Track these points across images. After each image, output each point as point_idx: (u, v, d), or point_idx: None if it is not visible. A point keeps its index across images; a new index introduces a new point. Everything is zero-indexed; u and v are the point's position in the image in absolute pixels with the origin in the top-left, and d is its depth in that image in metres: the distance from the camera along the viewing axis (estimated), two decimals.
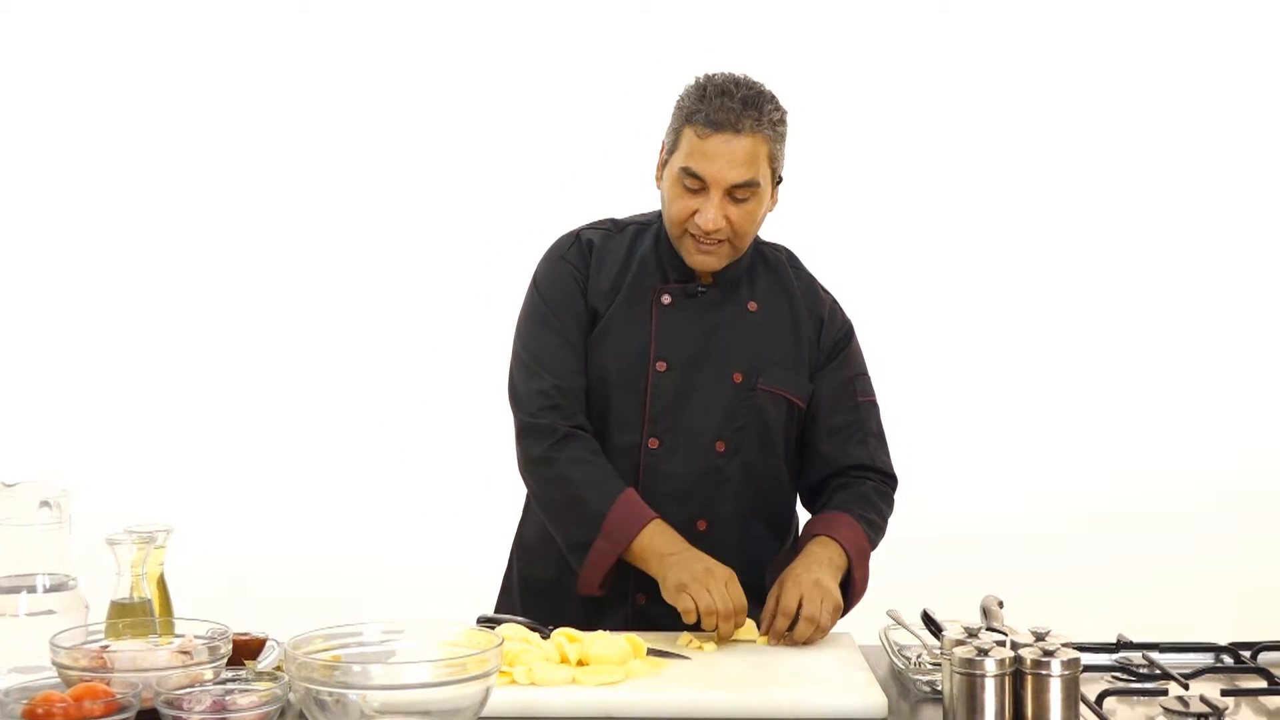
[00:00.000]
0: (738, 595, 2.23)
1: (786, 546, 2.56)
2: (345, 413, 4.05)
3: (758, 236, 2.52)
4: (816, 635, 2.23)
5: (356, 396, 4.05)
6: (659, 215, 2.49)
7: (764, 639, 2.25)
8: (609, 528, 2.34)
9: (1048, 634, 1.82)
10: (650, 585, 2.37)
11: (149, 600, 2.10)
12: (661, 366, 2.43)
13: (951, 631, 1.87)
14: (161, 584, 2.18)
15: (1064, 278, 4.11)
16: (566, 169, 3.95)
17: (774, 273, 2.54)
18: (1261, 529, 3.95)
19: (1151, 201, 4.09)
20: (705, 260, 2.39)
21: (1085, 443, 4.06)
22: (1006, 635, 1.87)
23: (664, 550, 2.30)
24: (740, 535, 2.47)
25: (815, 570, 2.29)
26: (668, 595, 2.26)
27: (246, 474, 4.02)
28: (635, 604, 2.45)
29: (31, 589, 2.07)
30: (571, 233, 2.56)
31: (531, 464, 2.45)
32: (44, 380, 4.07)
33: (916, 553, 3.86)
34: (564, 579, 2.45)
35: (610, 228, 2.55)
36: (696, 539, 2.37)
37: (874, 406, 2.57)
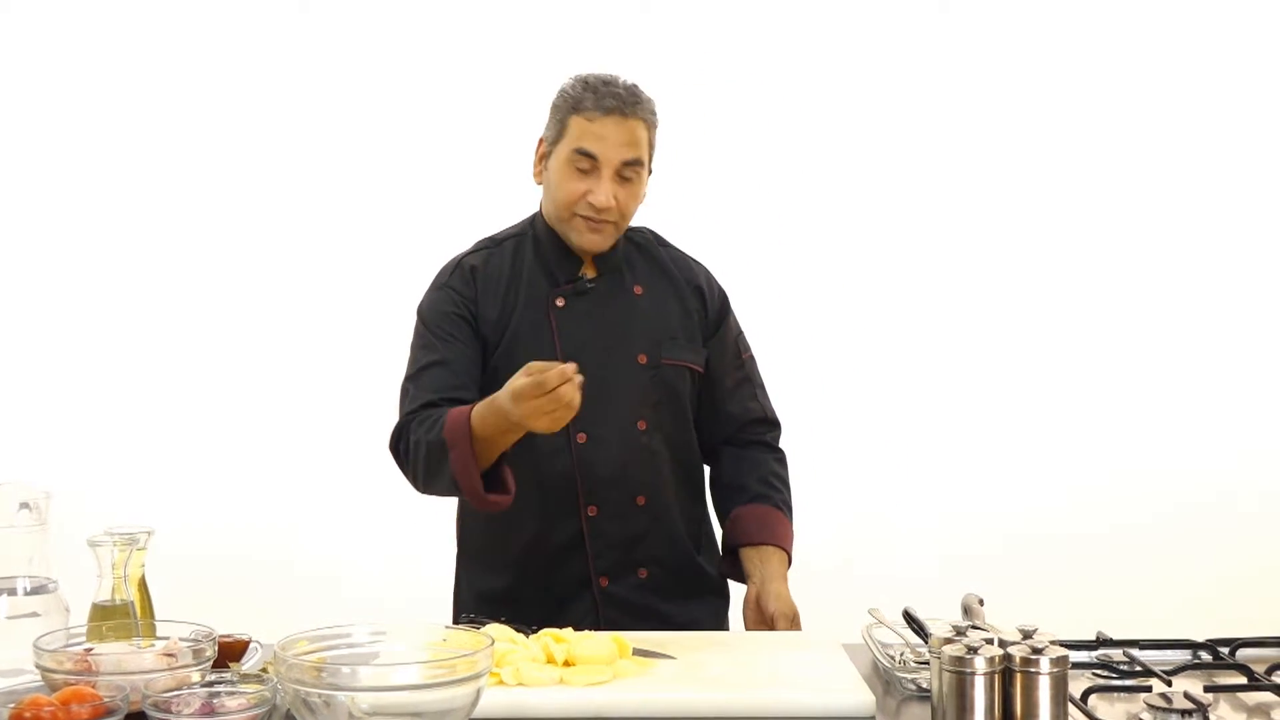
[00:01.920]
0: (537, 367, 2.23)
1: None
2: (323, 416, 4.02)
3: None
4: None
5: (335, 400, 4.02)
6: (531, 223, 2.65)
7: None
8: (449, 439, 2.34)
9: (1035, 632, 1.83)
10: (608, 568, 2.54)
11: (131, 602, 2.09)
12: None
13: (939, 630, 1.88)
14: (143, 586, 2.18)
15: (1054, 275, 4.13)
16: None
17: (646, 254, 2.68)
18: (1234, 528, 3.99)
19: (1151, 201, 4.11)
20: (594, 240, 2.53)
21: (1059, 444, 4.09)
22: (994, 633, 1.87)
23: (491, 405, 2.30)
24: (675, 502, 2.63)
25: (787, 594, 2.53)
26: (517, 407, 2.22)
27: (220, 476, 4.00)
28: (599, 587, 2.55)
29: (12, 591, 2.06)
30: (453, 260, 2.66)
31: (394, 455, 2.49)
32: (22, 382, 4.04)
33: (890, 551, 3.90)
34: (519, 585, 2.57)
35: (489, 246, 2.66)
36: (639, 512, 2.57)
37: (753, 360, 2.77)
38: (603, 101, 2.49)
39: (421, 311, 2.61)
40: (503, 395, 2.27)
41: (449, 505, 3.65)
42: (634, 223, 2.64)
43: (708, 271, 2.74)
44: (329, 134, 4.09)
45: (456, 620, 2.56)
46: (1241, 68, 4.10)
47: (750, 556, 2.60)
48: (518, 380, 2.23)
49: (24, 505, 2.09)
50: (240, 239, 4.09)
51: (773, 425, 2.77)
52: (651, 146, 2.55)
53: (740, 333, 2.76)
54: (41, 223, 4.09)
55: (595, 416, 2.49)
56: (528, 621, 2.25)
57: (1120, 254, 4.12)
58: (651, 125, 2.54)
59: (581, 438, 2.54)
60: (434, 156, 4.09)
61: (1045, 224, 4.12)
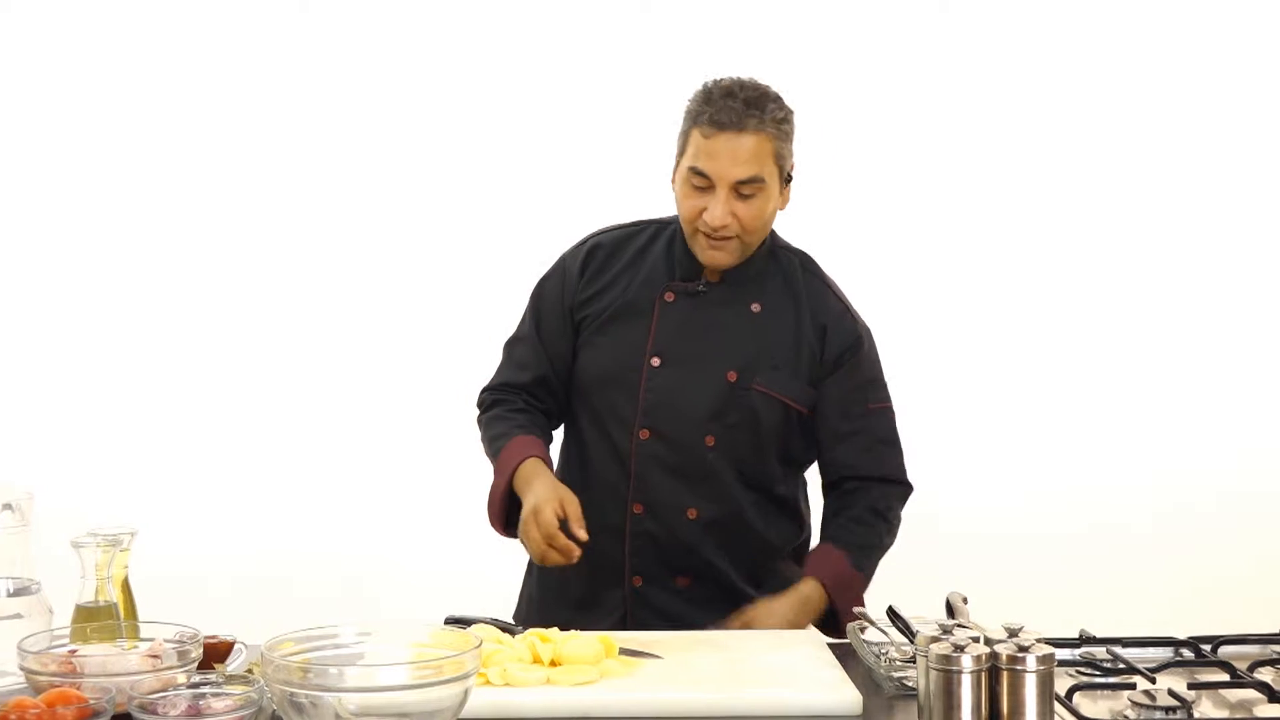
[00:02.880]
0: (546, 520, 2.39)
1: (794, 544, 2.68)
2: (306, 417, 4.01)
3: (776, 238, 2.61)
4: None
5: (318, 399, 4.01)
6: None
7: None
8: (499, 464, 2.55)
9: (1021, 630, 1.84)
10: (644, 568, 2.53)
11: (115, 604, 2.08)
12: (656, 361, 2.52)
13: (926, 628, 1.88)
14: (126, 587, 2.16)
15: (1044, 273, 4.12)
16: (566, 170, 3.95)
17: (784, 276, 2.58)
18: (1214, 528, 4.00)
19: (1152, 202, 4.11)
20: (716, 256, 2.47)
21: (1039, 445, 4.08)
22: (980, 631, 1.88)
23: (526, 481, 2.48)
24: (733, 524, 2.54)
25: (783, 607, 2.45)
26: (523, 520, 2.44)
27: (202, 476, 3.98)
28: (631, 585, 2.54)
29: None
30: (585, 236, 2.67)
31: (478, 409, 2.71)
32: (4, 382, 4.00)
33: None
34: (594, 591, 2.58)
35: (631, 229, 2.65)
36: (688, 525, 2.52)
37: (885, 413, 2.62)
38: (718, 116, 2.40)
39: (538, 282, 2.68)
40: (525, 494, 2.45)
41: (434, 502, 3.66)
42: (795, 241, 2.62)
43: (847, 309, 2.62)
44: (328, 134, 4.06)
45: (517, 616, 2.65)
46: (1241, 68, 4.11)
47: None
48: (536, 505, 2.40)
49: (6, 506, 2.08)
50: (228, 239, 4.06)
51: (886, 482, 2.61)
52: (779, 157, 2.46)
53: (873, 380, 2.61)
54: (23, 222, 4.06)
55: (663, 418, 2.51)
56: (559, 619, 2.26)
57: (1110, 251, 4.12)
58: (776, 136, 2.44)
59: (644, 434, 2.52)
60: (433, 157, 4.07)
61: (1040, 223, 4.12)
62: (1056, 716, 1.82)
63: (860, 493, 2.57)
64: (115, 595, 2.09)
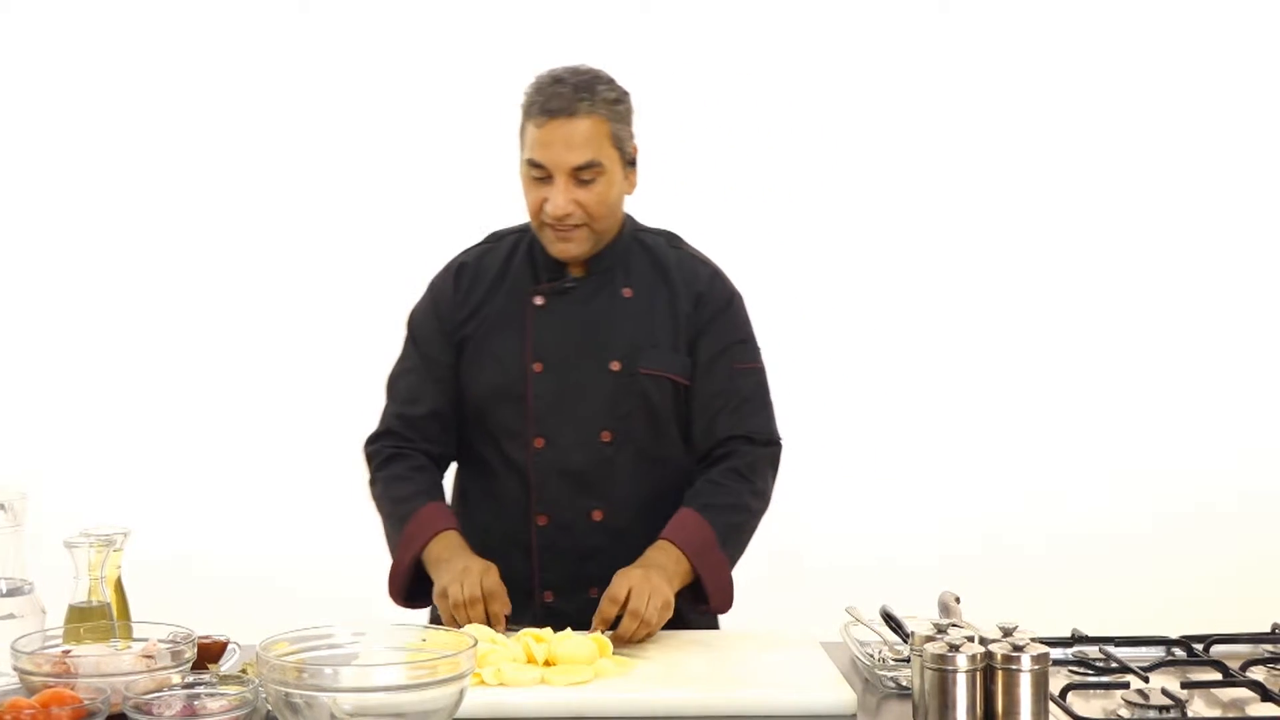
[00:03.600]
0: (488, 584, 2.26)
1: None
2: (299, 417, 4.00)
3: (634, 221, 2.55)
4: (642, 630, 2.21)
5: (310, 399, 4.00)
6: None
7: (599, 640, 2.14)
8: (405, 538, 2.42)
9: (1015, 629, 1.85)
10: (555, 582, 2.45)
11: (108, 604, 2.07)
12: (538, 367, 2.46)
13: (921, 627, 1.89)
14: (119, 587, 2.16)
15: (1053, 276, 4.13)
16: None
17: (652, 256, 2.53)
18: (1204, 529, 4.02)
19: (1148, 202, 4.12)
20: (565, 247, 2.42)
21: (1029, 447, 4.09)
22: (975, 631, 1.89)
23: (440, 557, 2.35)
24: (640, 523, 2.44)
25: (639, 571, 2.28)
26: (435, 600, 2.32)
27: (194, 476, 3.98)
28: (542, 601, 2.46)
29: None
30: (454, 258, 2.61)
31: (365, 457, 2.57)
32: None
33: (863, 550, 3.91)
34: None
35: (491, 241, 2.60)
36: (594, 528, 2.44)
37: (753, 372, 2.53)
38: (549, 104, 2.35)
39: (410, 314, 2.60)
40: (438, 573, 2.32)
41: None
42: (655, 223, 2.56)
43: (716, 274, 2.56)
44: (328, 135, 4.05)
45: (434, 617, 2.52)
46: (1241, 68, 4.12)
47: None
48: (448, 588, 2.26)
49: None
50: (225, 240, 4.06)
51: (751, 442, 2.49)
52: (616, 139, 2.39)
53: (741, 341, 2.53)
54: (20, 222, 4.06)
55: (556, 422, 2.44)
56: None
57: (1110, 251, 4.14)
58: (610, 117, 2.38)
59: (539, 442, 2.45)
60: (433, 157, 4.07)
61: (1040, 224, 4.13)
62: (1051, 716, 1.82)
63: (723, 456, 2.47)
64: (108, 595, 2.08)
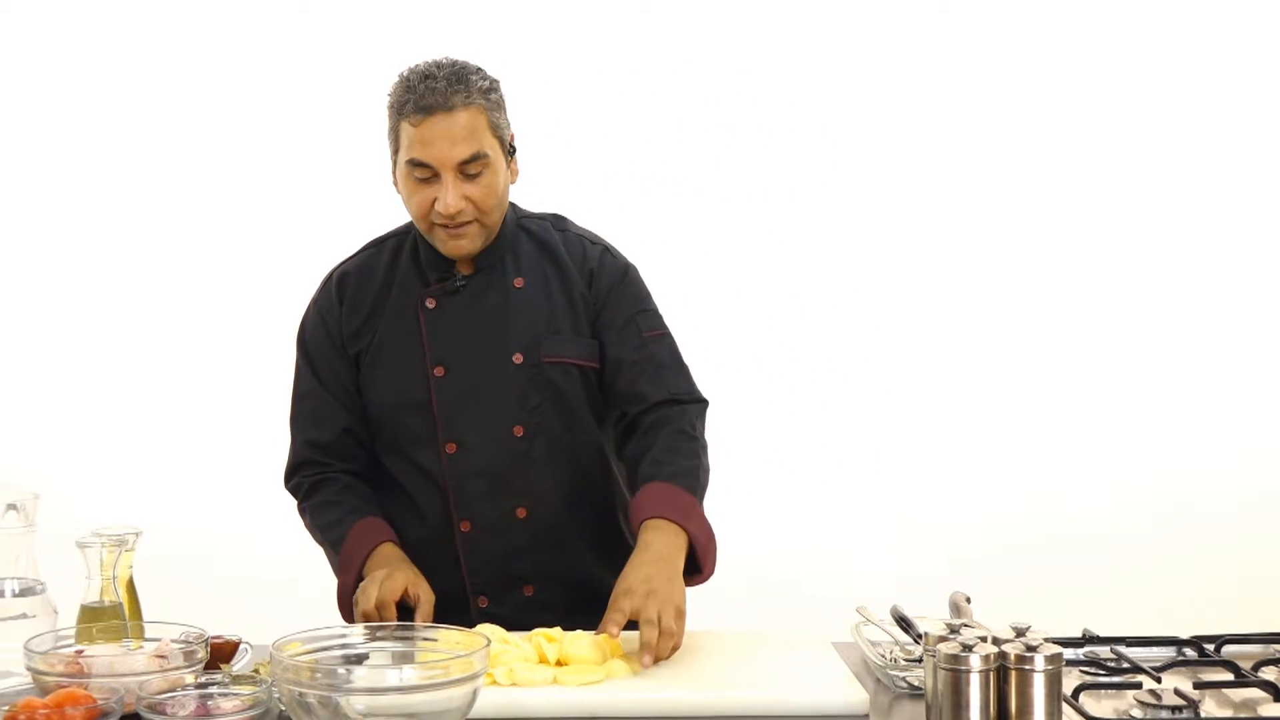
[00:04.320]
0: (388, 588, 2.23)
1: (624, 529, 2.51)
2: None
3: (517, 209, 2.50)
4: (665, 642, 2.10)
5: None
6: (412, 223, 2.45)
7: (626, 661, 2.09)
8: (341, 562, 2.39)
9: (1028, 629, 1.85)
10: (487, 586, 2.43)
11: (120, 604, 2.07)
12: (439, 371, 2.41)
13: (934, 627, 1.89)
14: (130, 587, 2.16)
15: (1057, 278, 4.15)
16: (567, 169, 3.94)
17: (538, 242, 2.48)
18: (1214, 529, 4.02)
19: (1149, 203, 4.13)
20: (459, 245, 2.36)
21: (1040, 447, 4.11)
22: (987, 631, 1.89)
23: (372, 570, 2.32)
24: (565, 514, 2.44)
25: (648, 570, 2.18)
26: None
27: (203, 476, 3.99)
28: (477, 608, 2.44)
29: (0, 594, 2.04)
30: (327, 274, 2.54)
31: (289, 491, 2.54)
32: (9, 383, 4.02)
33: (870, 551, 3.91)
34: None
35: (371, 248, 2.53)
36: (519, 526, 2.40)
37: (664, 339, 2.48)
38: (423, 100, 2.27)
39: (298, 333, 2.54)
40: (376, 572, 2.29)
41: None
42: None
43: (607, 250, 2.51)
44: (329, 134, 4.06)
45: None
46: (1241, 68, 4.13)
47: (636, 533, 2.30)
48: (367, 595, 2.23)
49: (11, 507, 2.08)
50: (230, 240, 4.08)
51: (680, 403, 2.43)
52: (495, 128, 2.33)
53: (643, 310, 2.48)
54: (29, 223, 4.07)
55: (465, 424, 2.40)
56: None
57: (1112, 252, 4.14)
58: (487, 107, 2.31)
59: (451, 447, 2.41)
60: None
61: (1042, 225, 4.14)
62: (1064, 716, 1.82)
63: (660, 422, 2.41)
64: (120, 595, 2.08)
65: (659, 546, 2.23)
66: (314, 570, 3.63)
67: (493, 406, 2.40)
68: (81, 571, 2.07)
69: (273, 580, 3.75)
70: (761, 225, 4.05)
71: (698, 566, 2.30)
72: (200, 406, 4.03)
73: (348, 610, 2.37)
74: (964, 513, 4.01)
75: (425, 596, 2.26)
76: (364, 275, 2.49)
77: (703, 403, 2.48)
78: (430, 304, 2.43)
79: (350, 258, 2.54)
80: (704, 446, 2.43)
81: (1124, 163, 4.13)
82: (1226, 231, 4.15)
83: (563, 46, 4.03)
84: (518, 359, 2.41)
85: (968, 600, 2.24)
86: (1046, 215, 4.14)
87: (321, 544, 2.47)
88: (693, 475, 2.35)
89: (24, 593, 2.06)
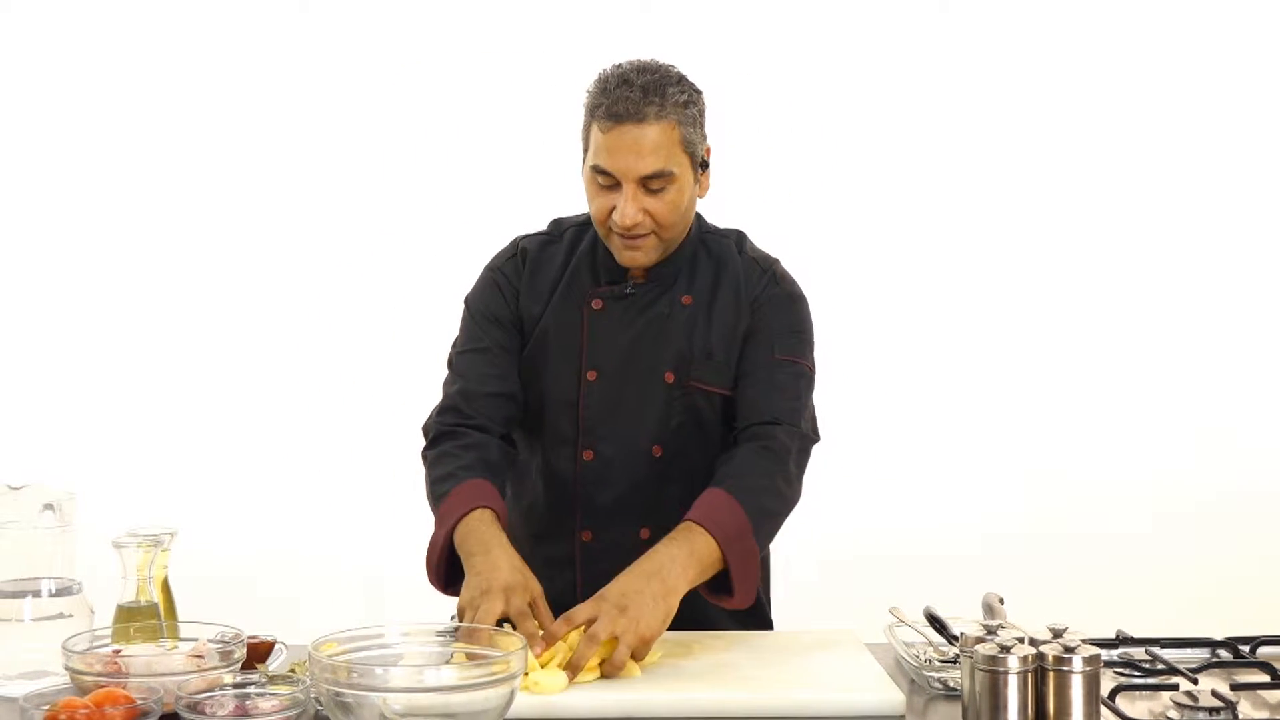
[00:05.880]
0: (486, 614, 2.02)
1: None
2: (346, 415, 4.02)
3: (702, 222, 2.45)
4: (610, 669, 2.00)
5: (357, 399, 4.02)
6: None
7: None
8: (439, 518, 2.25)
9: (1065, 630, 1.85)
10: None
11: (156, 604, 2.08)
12: (592, 375, 2.37)
13: (970, 629, 1.88)
14: (166, 587, 2.17)
15: (1069, 279, 4.13)
16: (567, 170, 3.94)
17: (716, 260, 2.41)
18: (1241, 527, 4.01)
19: (1152, 203, 4.12)
20: (633, 256, 2.30)
21: (1068, 445, 4.10)
22: (1024, 633, 1.88)
23: (469, 548, 2.16)
24: None
25: (637, 585, 2.06)
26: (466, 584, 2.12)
27: (238, 476, 4.00)
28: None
29: (37, 593, 2.05)
30: (512, 242, 2.49)
31: (424, 436, 2.40)
32: (45, 383, 4.03)
33: (901, 550, 3.91)
34: None
35: (551, 232, 2.48)
36: (641, 547, 2.18)
37: (794, 366, 2.36)
38: (615, 108, 2.20)
39: (469, 297, 2.46)
40: (474, 559, 2.12)
41: None
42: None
43: (775, 276, 2.42)
44: (331, 134, 4.08)
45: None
46: (1241, 68, 4.12)
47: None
48: (474, 596, 2.05)
49: (47, 507, 2.08)
50: (261, 242, 4.09)
51: (778, 424, 2.30)
52: (688, 144, 2.25)
53: (788, 334, 2.38)
54: (67, 226, 4.09)
55: (607, 435, 2.36)
56: None
57: (1130, 253, 4.14)
58: (682, 121, 2.23)
59: (588, 455, 2.36)
60: (434, 157, 4.08)
61: (1043, 225, 4.13)
62: (1101, 718, 1.81)
63: (752, 437, 2.28)
64: (156, 595, 2.09)
65: (661, 558, 2.11)
66: (346, 570, 3.65)
67: (636, 421, 2.36)
68: (118, 571, 2.07)
69: (305, 580, 3.77)
70: (758, 227, 4.03)
71: (729, 588, 2.19)
72: (237, 407, 4.04)
73: (434, 571, 2.25)
74: (992, 514, 4.00)
75: (536, 590, 2.11)
76: (541, 258, 2.43)
77: (808, 438, 2.36)
78: (596, 305, 2.38)
79: (530, 235, 2.48)
80: (788, 476, 2.28)
81: (1124, 164, 4.12)
82: (1235, 232, 4.14)
83: (563, 46, 4.03)
84: (669, 378, 2.35)
85: (1001, 601, 2.23)
86: (1049, 216, 4.13)
87: (428, 494, 2.33)
88: (757, 495, 2.21)
89: (61, 592, 2.06)
